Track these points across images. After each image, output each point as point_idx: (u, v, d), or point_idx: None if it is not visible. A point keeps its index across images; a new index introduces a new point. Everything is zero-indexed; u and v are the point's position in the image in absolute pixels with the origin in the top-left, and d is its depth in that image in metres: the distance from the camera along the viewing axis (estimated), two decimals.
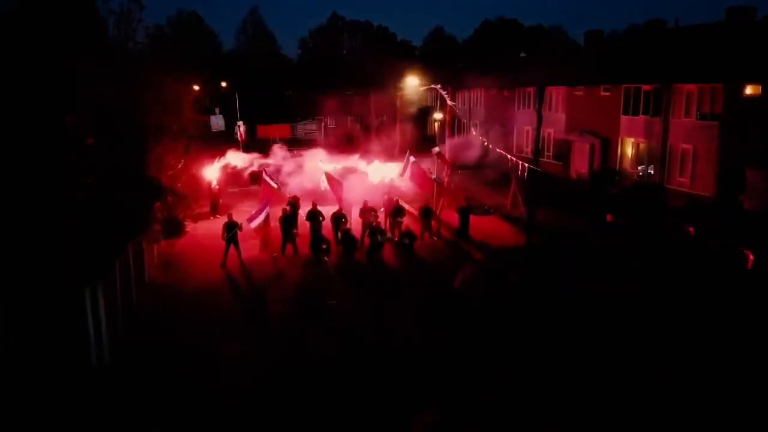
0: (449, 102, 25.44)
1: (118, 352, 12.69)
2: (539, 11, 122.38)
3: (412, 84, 33.19)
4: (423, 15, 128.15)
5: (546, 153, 35.80)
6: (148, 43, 17.44)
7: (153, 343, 13.46)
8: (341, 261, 19.35)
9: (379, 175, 23.58)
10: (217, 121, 59.52)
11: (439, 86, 26.02)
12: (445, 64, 54.46)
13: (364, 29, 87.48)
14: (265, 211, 18.45)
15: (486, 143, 26.46)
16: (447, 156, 25.26)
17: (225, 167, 27.56)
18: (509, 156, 21.90)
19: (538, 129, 20.89)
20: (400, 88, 41.60)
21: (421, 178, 23.00)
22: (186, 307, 15.68)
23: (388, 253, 19.89)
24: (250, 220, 18.29)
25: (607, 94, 30.76)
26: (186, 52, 61.51)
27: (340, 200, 21.24)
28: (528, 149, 38.35)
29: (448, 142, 27.56)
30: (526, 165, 21.08)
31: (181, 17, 74.22)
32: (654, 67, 27.91)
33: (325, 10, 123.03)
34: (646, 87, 28.01)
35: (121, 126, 16.16)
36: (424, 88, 31.55)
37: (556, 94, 35.13)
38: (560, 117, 34.72)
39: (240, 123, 41.51)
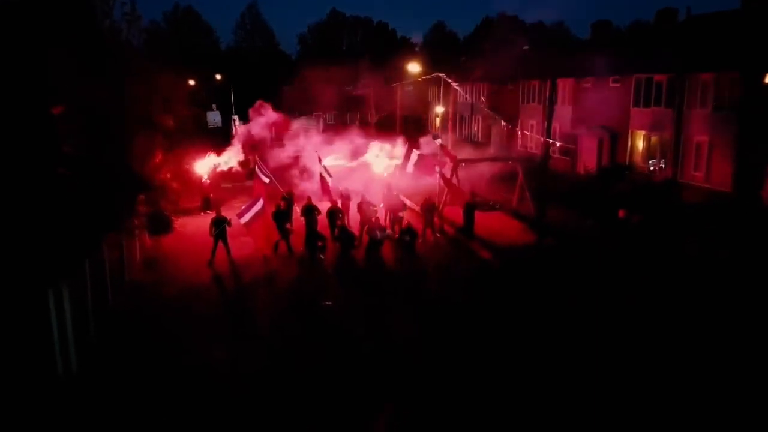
0: (455, 87, 24.15)
1: (88, 359, 11.48)
2: (540, 8, 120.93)
3: (415, 72, 31.77)
4: (423, 12, 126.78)
5: (552, 148, 34.54)
6: (128, 20, 16.02)
7: (129, 349, 12.23)
8: (338, 259, 18.12)
9: (380, 168, 22.41)
10: (214, 118, 58.75)
11: (443, 75, 24.76)
12: (447, 59, 53.27)
13: (364, 25, 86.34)
14: (256, 206, 17.17)
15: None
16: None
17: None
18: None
19: (549, 118, 19.68)
20: (402, 79, 40.40)
21: (430, 169, 21.83)
22: (169, 309, 14.46)
23: (387, 251, 18.65)
24: (240, 215, 17.03)
25: (617, 85, 29.52)
26: (181, 46, 60.53)
27: (330, 196, 20.31)
28: (532, 144, 37.13)
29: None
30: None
31: (177, 12, 72.95)
32: (667, 56, 26.64)
33: (324, 6, 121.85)
34: (658, 77, 26.75)
35: (101, 115, 14.88)
36: (428, 77, 30.16)
37: (563, 86, 33.85)
38: (567, 110, 33.45)
39: (235, 117, 40.34)
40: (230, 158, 26.81)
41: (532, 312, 13.87)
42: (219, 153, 27.53)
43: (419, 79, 31.67)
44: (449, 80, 23.83)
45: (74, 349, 10.87)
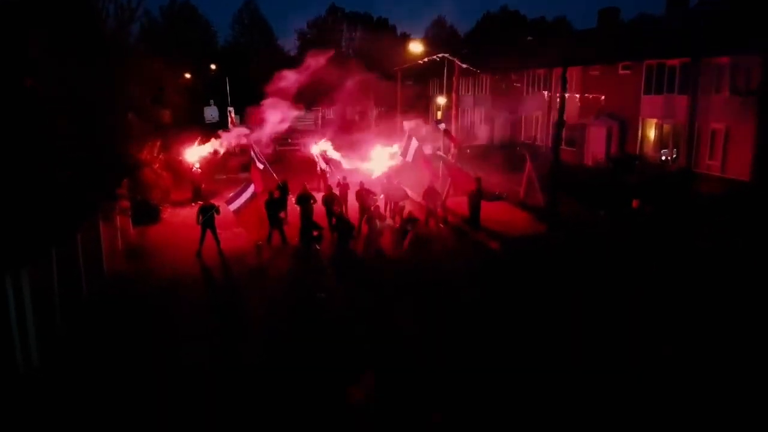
0: (462, 66, 22.89)
1: (54, 353, 10.33)
2: (542, 4, 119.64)
3: (417, 52, 30.31)
4: (424, 8, 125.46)
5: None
6: None
7: (100, 342, 11.08)
8: (335, 249, 16.95)
9: (382, 160, 21.14)
10: (211, 113, 57.73)
11: (447, 55, 23.53)
12: (448, 53, 51.99)
13: (364, 21, 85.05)
14: (246, 192, 15.98)
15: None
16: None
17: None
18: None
19: (561, 108, 18.52)
20: (403, 73, 39.22)
21: (426, 165, 20.63)
22: (150, 301, 13.31)
23: (387, 242, 17.45)
24: (229, 202, 15.86)
25: (627, 72, 28.28)
26: (177, 40, 59.47)
27: (326, 183, 19.29)
28: (537, 136, 35.94)
29: None
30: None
31: (174, 6, 71.71)
32: (681, 39, 25.47)
33: (323, 2, 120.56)
34: (671, 62, 25.54)
35: (75, 88, 13.71)
36: (431, 57, 28.79)
37: (569, 75, 32.55)
38: (573, 99, 32.20)
39: (231, 109, 39.17)
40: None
41: (539, 305, 12.71)
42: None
43: (421, 62, 30.31)
44: (453, 59, 22.60)
45: (36, 340, 9.69)
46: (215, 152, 24.90)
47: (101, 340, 11.19)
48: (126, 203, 15.23)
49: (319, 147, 21.97)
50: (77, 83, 13.99)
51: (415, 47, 30.36)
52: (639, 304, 12.46)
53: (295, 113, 28.30)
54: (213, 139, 25.53)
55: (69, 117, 13.09)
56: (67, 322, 11.34)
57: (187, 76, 49.52)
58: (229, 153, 27.17)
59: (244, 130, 26.03)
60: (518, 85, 37.92)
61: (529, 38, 43.53)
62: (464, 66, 23.54)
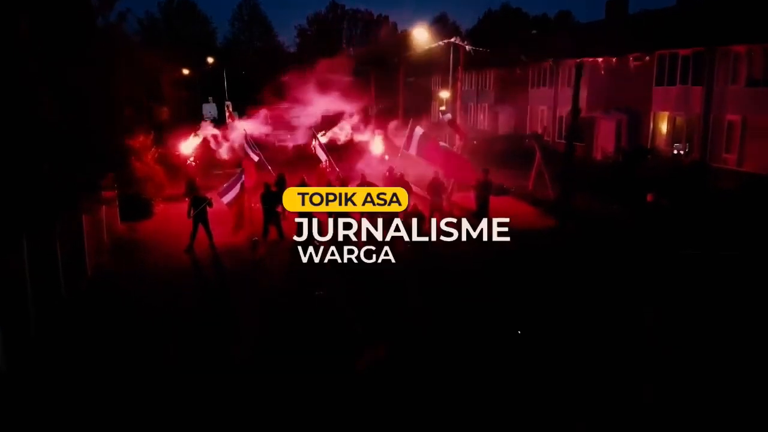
0: (468, 49, 21.97)
1: (25, 358, 9.40)
2: (543, 1, 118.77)
3: (422, 38, 29.17)
4: (423, 7, 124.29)
5: (564, 133, 32.40)
6: None
7: (80, 347, 10.13)
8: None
9: (380, 149, 20.27)
10: (210, 110, 56.99)
11: (455, 39, 22.60)
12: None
13: (365, 19, 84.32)
14: (239, 184, 15.09)
15: None
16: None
17: None
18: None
19: (575, 101, 17.64)
20: (405, 71, 38.31)
21: (433, 153, 19.55)
22: (135, 302, 12.34)
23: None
24: (222, 194, 14.96)
25: (637, 63, 27.37)
26: (178, 36, 58.72)
27: (326, 177, 18.39)
28: (543, 130, 35.01)
29: None
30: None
31: (172, 2, 70.95)
32: (695, 27, 24.53)
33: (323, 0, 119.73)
34: (684, 52, 24.61)
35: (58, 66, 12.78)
36: (437, 44, 27.75)
37: (576, 67, 31.64)
38: (581, 92, 31.18)
39: (229, 103, 38.32)
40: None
41: (547, 306, 11.79)
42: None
43: (427, 48, 29.21)
44: (461, 44, 21.69)
45: (4, 343, 8.77)
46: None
47: (80, 343, 10.26)
48: (110, 194, 14.26)
49: (320, 139, 21.04)
50: (59, 56, 13.07)
51: (420, 34, 29.28)
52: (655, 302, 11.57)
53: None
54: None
55: (49, 94, 12.19)
56: (43, 323, 10.40)
57: (186, 72, 48.80)
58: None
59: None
60: (523, 79, 36.97)
61: (533, 32, 42.57)
62: (471, 50, 22.60)
